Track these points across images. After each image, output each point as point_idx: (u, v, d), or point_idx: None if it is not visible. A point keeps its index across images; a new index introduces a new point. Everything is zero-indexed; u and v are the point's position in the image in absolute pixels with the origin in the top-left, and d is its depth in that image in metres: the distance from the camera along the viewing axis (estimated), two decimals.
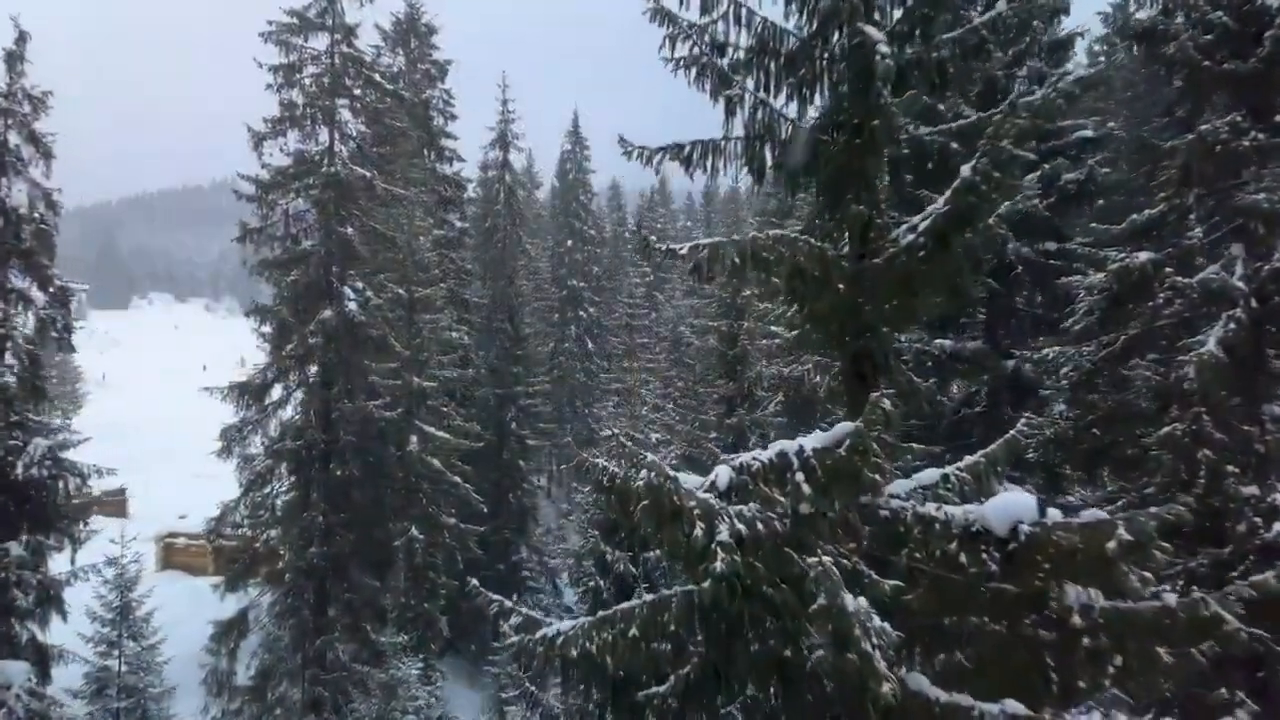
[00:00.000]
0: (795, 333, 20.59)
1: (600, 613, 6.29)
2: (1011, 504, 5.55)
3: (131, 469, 40.59)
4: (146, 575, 21.72)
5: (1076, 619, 5.10)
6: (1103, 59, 26.20)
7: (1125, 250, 12.67)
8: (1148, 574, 5.17)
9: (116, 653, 18.28)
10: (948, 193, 5.72)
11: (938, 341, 15.40)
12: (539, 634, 6.35)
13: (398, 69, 31.89)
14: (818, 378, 18.28)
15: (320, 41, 21.26)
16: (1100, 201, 16.44)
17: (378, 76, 23.44)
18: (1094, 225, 15.32)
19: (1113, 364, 12.74)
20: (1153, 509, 5.27)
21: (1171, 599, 5.07)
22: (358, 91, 21.75)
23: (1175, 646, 5.05)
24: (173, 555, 32.42)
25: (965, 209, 5.63)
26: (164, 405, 64.88)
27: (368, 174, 21.31)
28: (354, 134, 22.11)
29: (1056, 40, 16.03)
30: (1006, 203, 7.05)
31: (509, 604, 6.76)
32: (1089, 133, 15.98)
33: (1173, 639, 5.03)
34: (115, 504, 36.97)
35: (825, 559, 4.76)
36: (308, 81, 21.11)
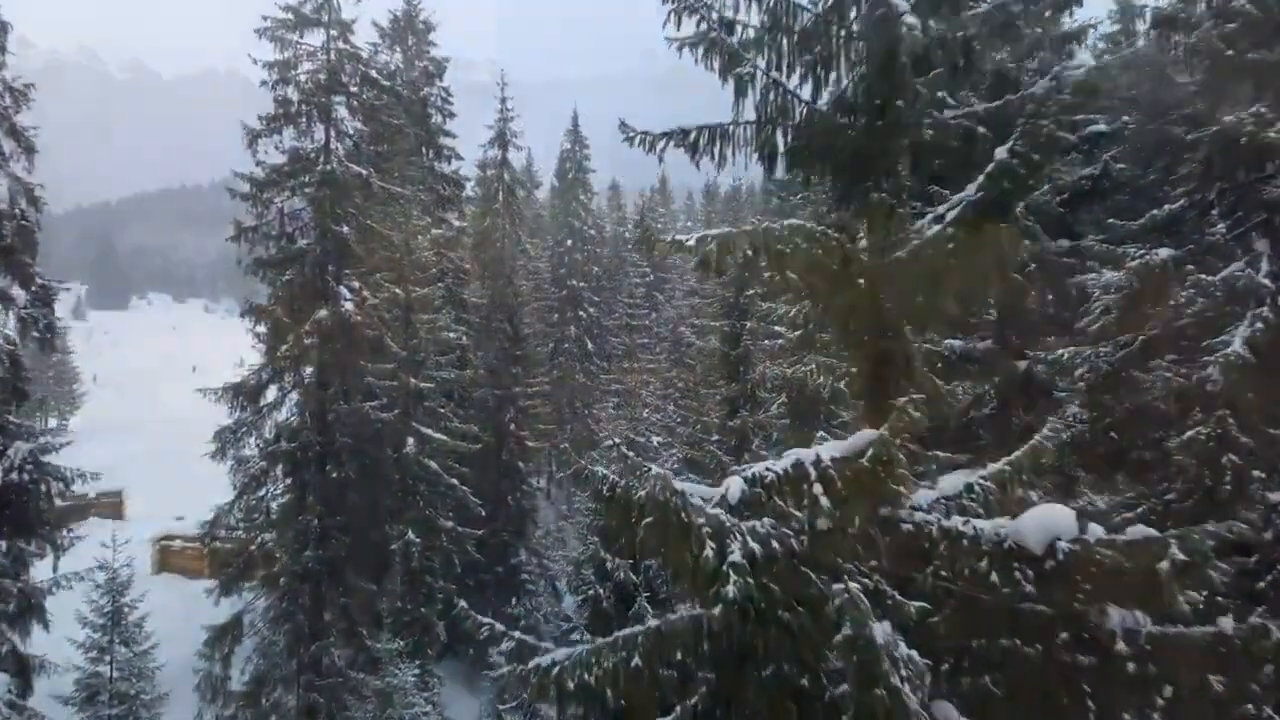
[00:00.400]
0: (799, 332, 20.26)
1: (599, 639, 5.83)
2: (1049, 519, 5.11)
3: (130, 469, 40.47)
4: (142, 578, 21.37)
5: (1120, 644, 4.68)
6: (1106, 55, 25.73)
7: (1143, 247, 12.26)
8: (1195, 594, 4.75)
9: (108, 658, 17.89)
10: (980, 178, 5.28)
11: (947, 341, 14.97)
12: (532, 663, 5.89)
13: (395, 66, 31.52)
14: (821, 379, 17.91)
15: (316, 37, 21.04)
16: (1105, 201, 16.04)
17: (374, 73, 23.15)
18: (1111, 221, 14.91)
19: (1130, 365, 12.32)
20: (1209, 525, 4.83)
21: (1227, 624, 4.64)
22: (354, 88, 21.45)
23: (1230, 674, 4.64)
24: (169, 558, 32.00)
25: (1000, 196, 5.19)
26: (163, 405, 64.80)
27: (364, 172, 21.00)
28: (350, 131, 21.79)
29: (1066, 33, 15.61)
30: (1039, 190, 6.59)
31: (500, 628, 6.31)
32: (1102, 127, 15.56)
33: (1228, 667, 4.61)
34: (112, 505, 36.67)
35: (852, 585, 4.33)
36: (303, 78, 20.87)
